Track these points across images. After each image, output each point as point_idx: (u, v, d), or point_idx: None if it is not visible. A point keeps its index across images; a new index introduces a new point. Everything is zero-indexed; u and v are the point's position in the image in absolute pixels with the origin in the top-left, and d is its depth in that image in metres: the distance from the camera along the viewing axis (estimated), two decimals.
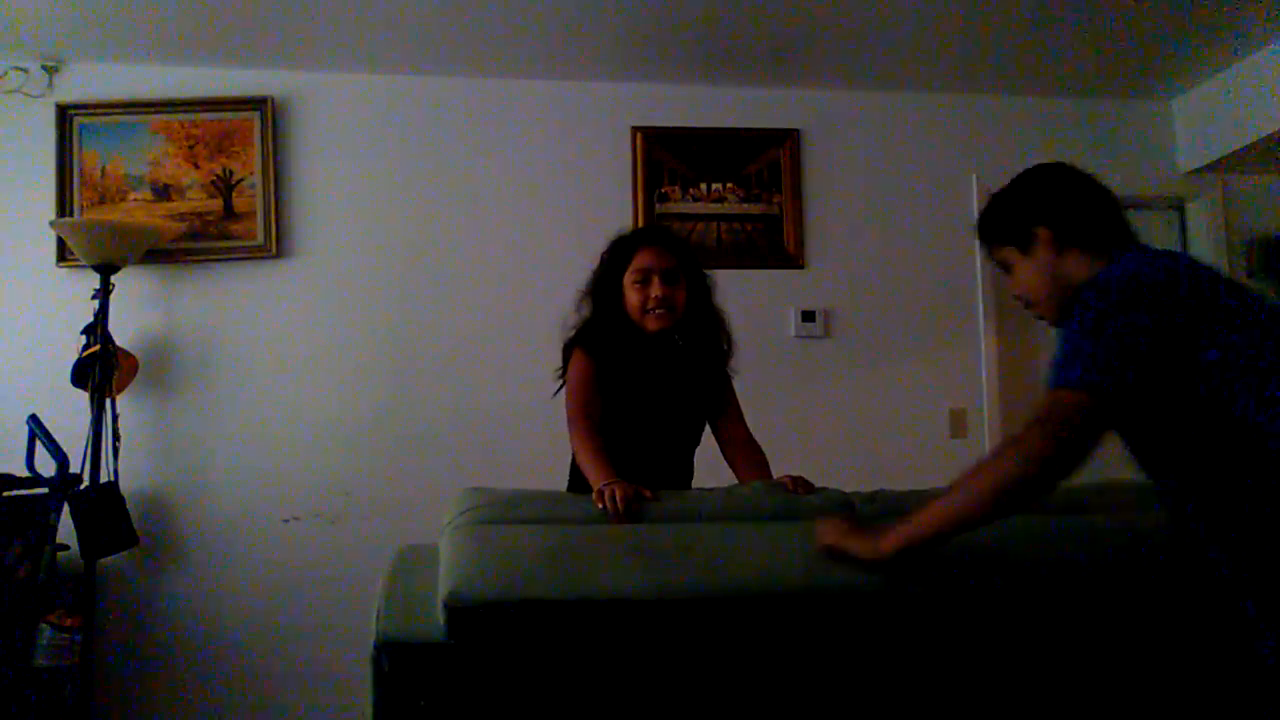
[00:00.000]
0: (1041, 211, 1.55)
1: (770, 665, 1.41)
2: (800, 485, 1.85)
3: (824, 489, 1.85)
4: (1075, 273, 1.51)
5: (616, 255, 2.16)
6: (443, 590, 1.31)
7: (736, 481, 2.16)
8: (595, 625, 1.34)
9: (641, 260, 2.11)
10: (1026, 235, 1.56)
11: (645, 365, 2.16)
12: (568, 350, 2.18)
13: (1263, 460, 1.29)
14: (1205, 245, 3.72)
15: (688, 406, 2.23)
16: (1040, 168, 1.63)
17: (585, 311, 2.20)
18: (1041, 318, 1.61)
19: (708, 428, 2.31)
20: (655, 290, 2.09)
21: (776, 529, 1.55)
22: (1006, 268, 1.63)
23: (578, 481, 2.11)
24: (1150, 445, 1.45)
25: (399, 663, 1.29)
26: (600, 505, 1.69)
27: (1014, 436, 1.34)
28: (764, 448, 2.25)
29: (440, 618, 1.30)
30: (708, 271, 2.26)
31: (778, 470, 2.06)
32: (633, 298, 2.11)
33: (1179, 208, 3.82)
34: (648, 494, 1.72)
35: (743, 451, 2.21)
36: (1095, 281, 1.42)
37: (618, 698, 1.36)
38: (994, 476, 1.34)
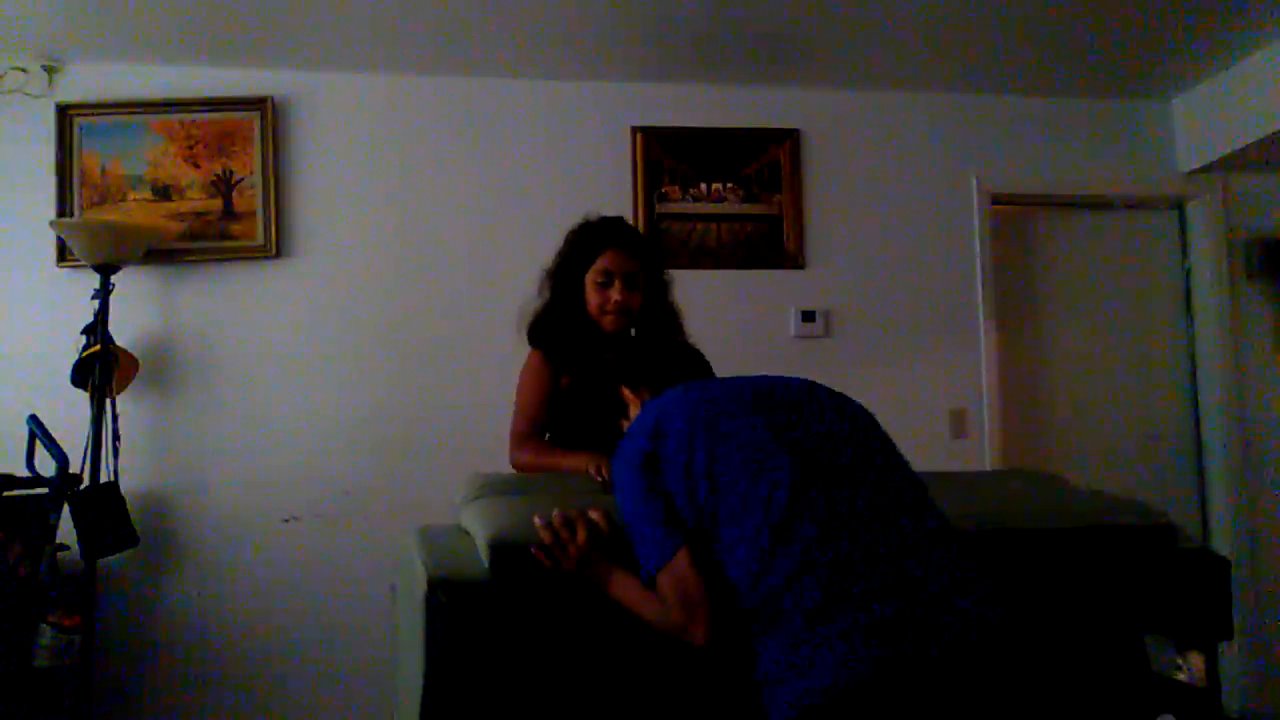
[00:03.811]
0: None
1: None
2: None
3: None
4: None
5: (581, 250, 2.15)
6: (486, 534, 1.50)
7: None
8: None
9: (605, 262, 2.11)
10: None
11: (602, 360, 2.17)
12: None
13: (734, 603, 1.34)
14: (1205, 245, 3.73)
15: None
16: None
17: (545, 298, 2.21)
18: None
19: None
20: (615, 294, 2.10)
21: None
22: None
23: None
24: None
25: (453, 597, 1.45)
26: (599, 479, 1.74)
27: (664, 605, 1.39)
28: None
29: (484, 557, 1.49)
30: (668, 270, 2.29)
31: None
32: (593, 298, 2.12)
33: (1179, 208, 3.82)
34: None
35: None
36: (619, 449, 1.53)
37: (628, 626, 1.49)
38: (653, 619, 1.40)
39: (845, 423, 1.49)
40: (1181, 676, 1.62)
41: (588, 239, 2.16)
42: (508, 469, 2.15)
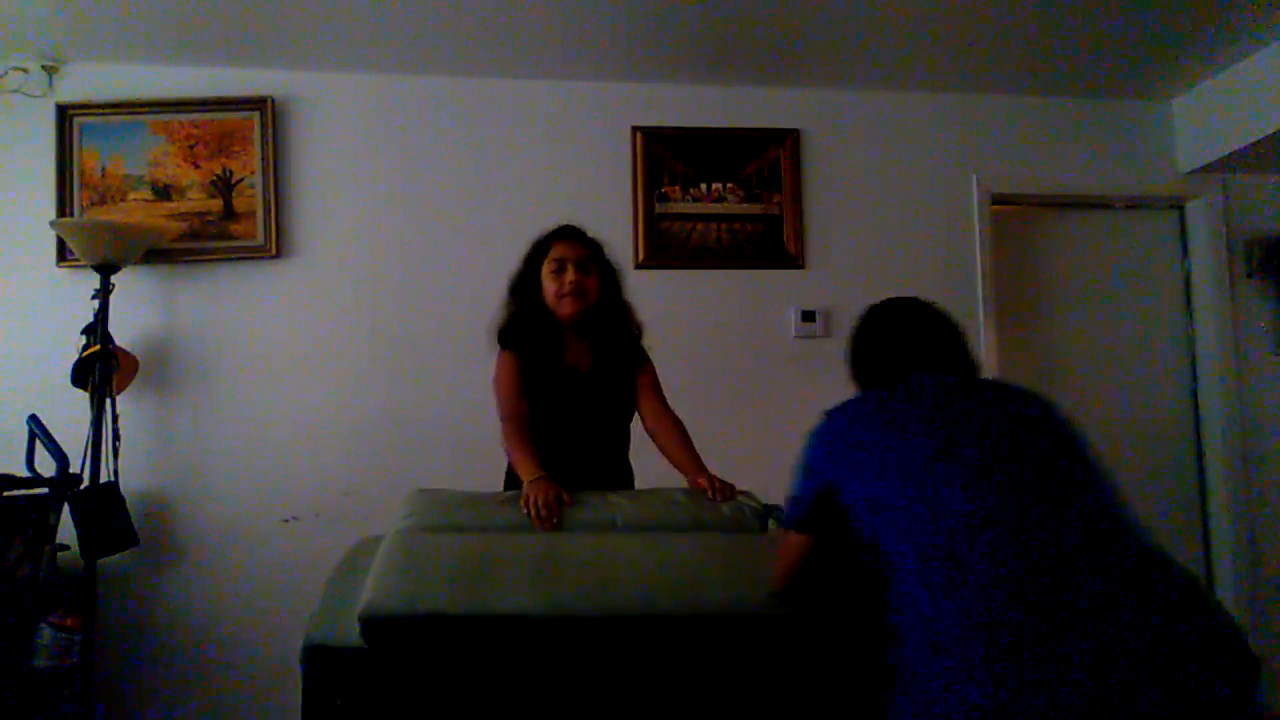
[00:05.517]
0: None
1: (644, 680, 1.54)
2: (722, 490, 1.96)
3: (744, 492, 1.96)
4: None
5: (535, 250, 2.32)
6: (360, 604, 1.51)
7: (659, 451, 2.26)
8: (493, 637, 1.51)
9: (557, 251, 2.28)
10: None
11: (563, 357, 2.27)
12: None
13: (886, 582, 1.37)
14: (1205, 245, 3.73)
15: (607, 398, 2.29)
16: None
17: (509, 309, 2.34)
18: None
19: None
20: (570, 275, 2.24)
21: (675, 541, 1.70)
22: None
23: (513, 480, 2.17)
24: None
25: (320, 666, 1.51)
26: (526, 511, 1.81)
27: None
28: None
29: (356, 629, 1.52)
30: (617, 266, 2.40)
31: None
32: (549, 286, 2.27)
33: (1179, 208, 3.82)
34: (567, 499, 1.84)
35: (661, 423, 2.28)
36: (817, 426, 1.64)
37: (513, 702, 1.52)
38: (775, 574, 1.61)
39: (1032, 435, 1.42)
40: None
41: (540, 239, 2.33)
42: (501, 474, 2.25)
